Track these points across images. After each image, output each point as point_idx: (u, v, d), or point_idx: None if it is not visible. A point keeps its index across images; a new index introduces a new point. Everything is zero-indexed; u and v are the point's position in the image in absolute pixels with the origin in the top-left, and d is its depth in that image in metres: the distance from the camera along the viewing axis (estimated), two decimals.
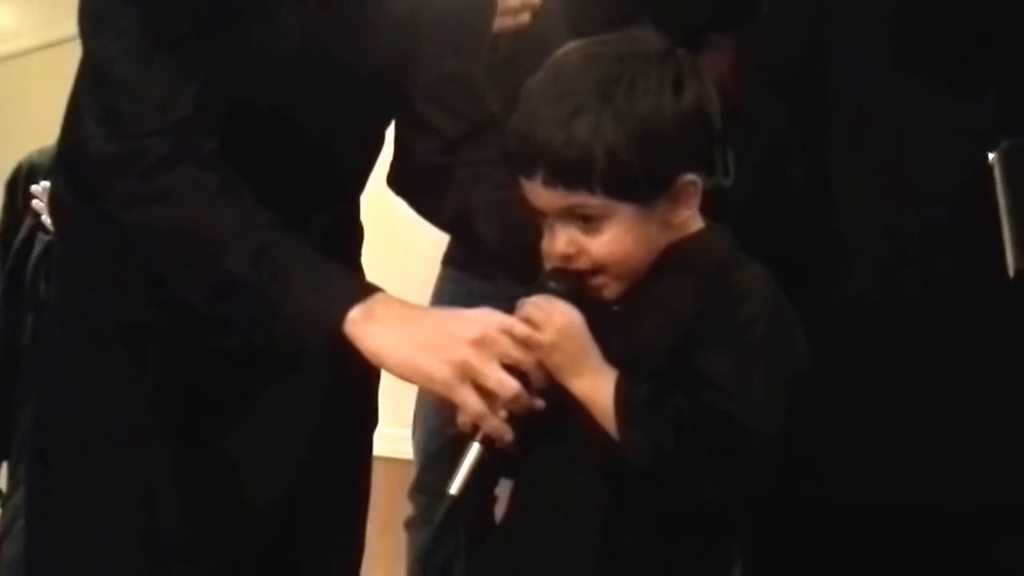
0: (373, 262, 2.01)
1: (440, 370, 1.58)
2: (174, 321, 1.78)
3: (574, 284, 1.63)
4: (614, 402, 1.57)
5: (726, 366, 1.55)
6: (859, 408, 1.81)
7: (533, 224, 1.69)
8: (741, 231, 1.72)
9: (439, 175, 1.90)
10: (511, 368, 1.58)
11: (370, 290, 1.64)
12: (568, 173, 1.59)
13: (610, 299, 1.65)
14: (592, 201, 1.60)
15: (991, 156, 1.77)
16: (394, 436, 2.78)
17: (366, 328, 1.60)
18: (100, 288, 1.84)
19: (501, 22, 2.17)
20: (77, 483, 1.84)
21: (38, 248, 3.18)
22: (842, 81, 1.86)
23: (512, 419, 1.58)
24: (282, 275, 1.63)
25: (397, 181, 1.98)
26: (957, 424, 1.80)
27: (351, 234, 2.00)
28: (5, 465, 3.34)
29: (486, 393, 1.57)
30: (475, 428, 1.59)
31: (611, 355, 1.61)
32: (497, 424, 1.58)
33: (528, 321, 1.60)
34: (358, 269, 1.99)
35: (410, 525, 2.82)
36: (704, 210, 1.70)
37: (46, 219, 2.98)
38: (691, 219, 1.67)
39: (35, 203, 3.08)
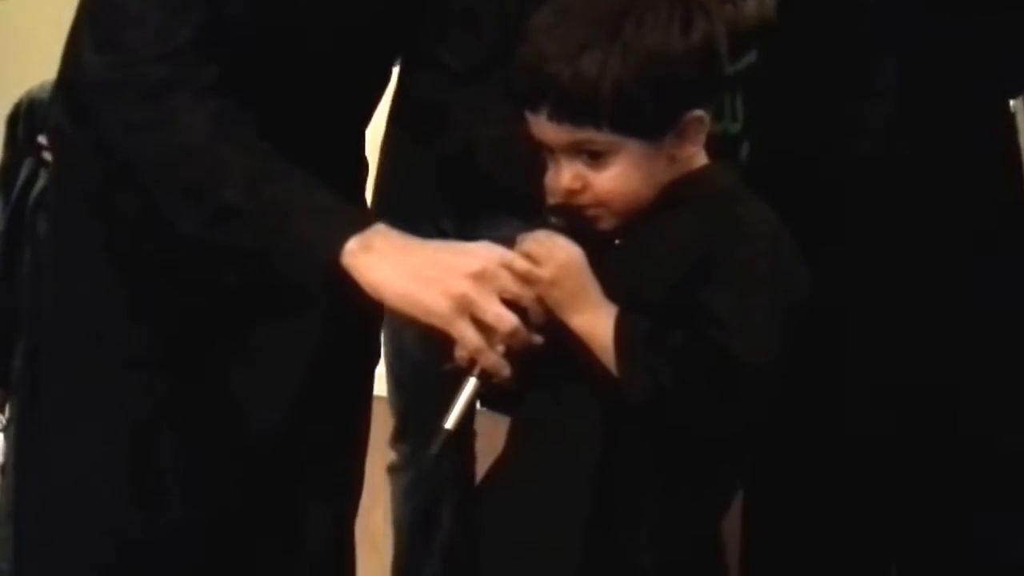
0: None
1: (439, 303, 1.56)
2: (170, 252, 1.76)
3: (576, 220, 1.62)
4: (614, 338, 1.56)
5: (727, 302, 1.54)
6: (878, 346, 1.81)
7: (537, 160, 1.67)
8: (754, 175, 1.72)
9: (443, 110, 1.88)
10: (510, 303, 1.57)
11: (369, 221, 1.62)
12: (575, 108, 1.58)
13: (607, 231, 1.64)
14: (599, 136, 1.59)
15: (1013, 103, 1.79)
16: None
17: (364, 259, 1.59)
18: (97, 217, 1.82)
19: None
20: (68, 414, 1.83)
21: (40, 184, 3.16)
22: (868, 26, 1.84)
23: (510, 354, 1.57)
24: (279, 205, 1.61)
25: (401, 116, 1.97)
26: (975, 365, 1.80)
27: (355, 169, 1.98)
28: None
29: (484, 328, 1.56)
30: (472, 363, 1.58)
31: (612, 290, 1.59)
32: (495, 359, 1.57)
33: (528, 256, 1.59)
34: (362, 205, 1.97)
35: (392, 470, 2.82)
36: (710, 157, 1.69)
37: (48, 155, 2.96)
38: (696, 155, 1.66)
39: (41, 138, 3.06)
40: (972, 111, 1.80)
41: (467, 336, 1.56)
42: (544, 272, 1.58)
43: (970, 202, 1.80)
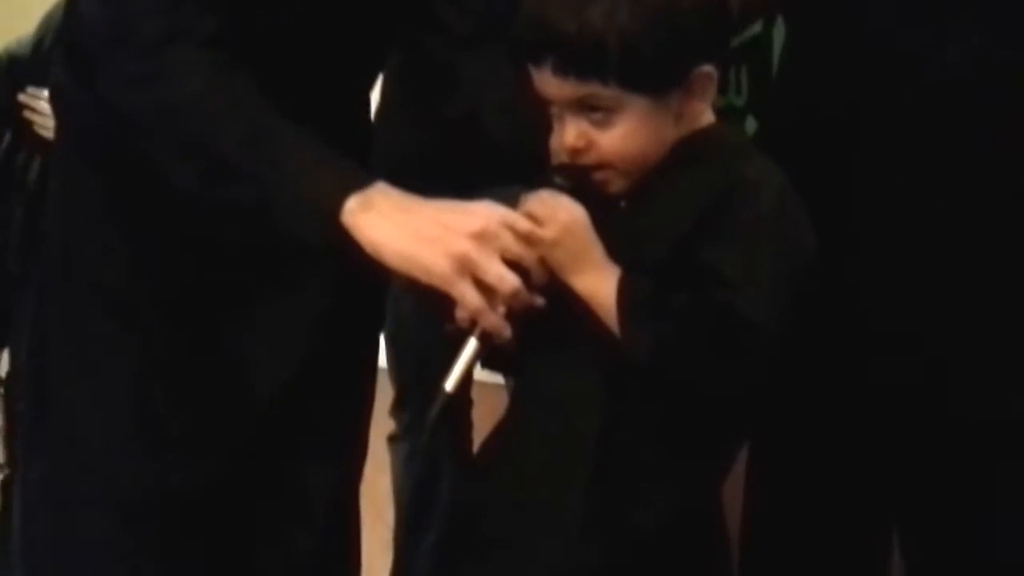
0: None
1: (439, 263, 1.54)
2: (172, 212, 1.74)
3: (580, 180, 1.60)
4: (616, 299, 1.54)
5: (732, 261, 1.52)
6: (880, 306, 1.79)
7: (543, 122, 1.65)
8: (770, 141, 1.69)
9: (448, 72, 1.86)
10: (512, 264, 1.55)
11: (369, 179, 1.60)
12: (580, 61, 1.56)
13: (614, 193, 1.62)
14: (604, 91, 1.57)
15: None
16: None
17: (364, 218, 1.56)
18: (100, 176, 1.80)
19: None
20: (72, 375, 1.81)
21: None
22: None
23: (511, 316, 1.55)
24: (278, 162, 1.59)
25: (405, 78, 1.94)
26: (975, 335, 1.77)
27: (360, 131, 1.95)
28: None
29: (486, 288, 1.54)
30: (473, 324, 1.56)
31: (616, 251, 1.58)
32: (496, 320, 1.54)
33: (531, 216, 1.57)
34: (368, 169, 1.94)
35: (392, 440, 2.81)
36: None
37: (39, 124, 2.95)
38: (704, 113, 1.64)
39: (22, 97, 3.02)
40: (987, 78, 1.76)
41: (468, 296, 1.54)
42: (547, 232, 1.56)
43: (981, 167, 1.76)
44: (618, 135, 1.58)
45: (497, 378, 2.36)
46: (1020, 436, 1.78)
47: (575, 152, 1.60)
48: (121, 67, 1.66)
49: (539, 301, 1.56)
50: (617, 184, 1.61)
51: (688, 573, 1.59)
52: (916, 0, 1.77)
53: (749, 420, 1.64)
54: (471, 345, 1.56)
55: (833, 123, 1.80)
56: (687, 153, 1.62)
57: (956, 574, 1.84)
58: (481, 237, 1.54)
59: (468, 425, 2.62)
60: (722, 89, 1.83)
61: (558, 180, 1.60)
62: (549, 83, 1.59)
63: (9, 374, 3.23)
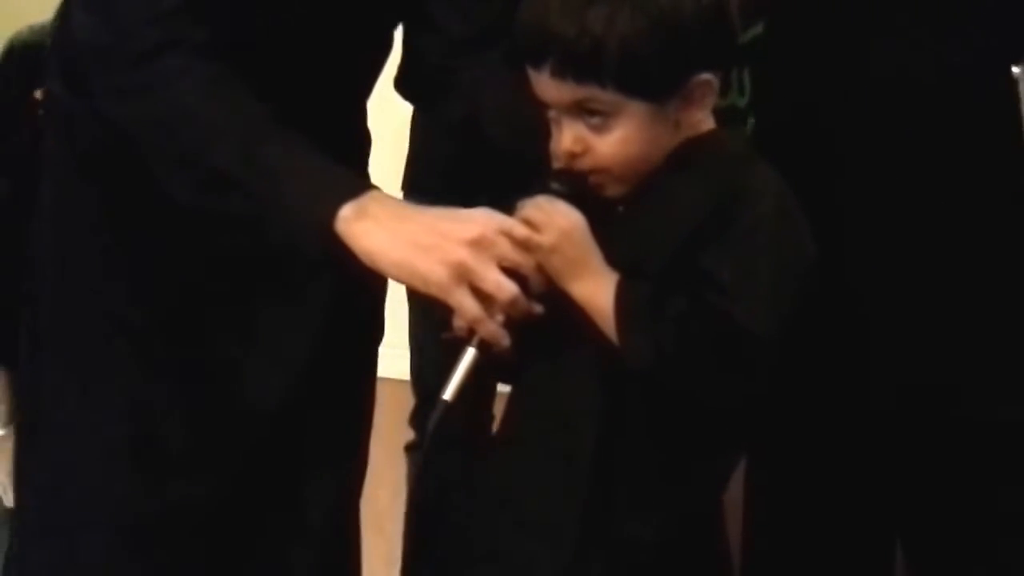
0: None
1: (436, 272, 1.52)
2: (169, 221, 1.73)
3: (578, 185, 1.59)
4: (614, 306, 1.53)
5: (731, 268, 1.51)
6: (875, 316, 1.78)
7: (542, 126, 1.64)
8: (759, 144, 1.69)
9: (447, 76, 1.85)
10: (510, 271, 1.53)
11: (364, 187, 1.59)
12: (578, 64, 1.55)
13: (611, 198, 1.61)
14: (602, 95, 1.56)
15: (1016, 70, 1.75)
16: (404, 358, 2.75)
17: (358, 226, 1.55)
18: (95, 186, 1.79)
19: None
20: (68, 390, 1.80)
21: None
22: None
23: (510, 324, 1.54)
24: (273, 171, 1.58)
25: (405, 84, 1.93)
26: (974, 339, 1.77)
27: (357, 139, 1.95)
28: None
29: (483, 296, 1.52)
30: (471, 332, 1.55)
31: (615, 257, 1.57)
32: (494, 329, 1.53)
33: (528, 222, 1.56)
34: (365, 177, 1.93)
35: (410, 448, 2.80)
36: None
37: None
38: (703, 122, 1.63)
39: (38, 94, 2.96)
40: (973, 78, 1.78)
41: (465, 305, 1.52)
42: (544, 239, 1.55)
43: (971, 169, 1.77)
44: (615, 140, 1.57)
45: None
46: (1021, 443, 1.78)
47: (572, 156, 1.59)
48: (113, 77, 1.65)
49: (537, 309, 1.55)
50: (614, 189, 1.60)
51: None
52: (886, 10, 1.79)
53: (748, 430, 1.63)
54: (469, 354, 1.55)
55: (815, 124, 1.81)
56: (686, 160, 1.61)
57: None
58: (478, 245, 1.52)
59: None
60: (724, 90, 1.82)
61: (555, 186, 1.58)
62: (547, 86, 1.58)
63: None
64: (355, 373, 1.95)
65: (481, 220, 1.55)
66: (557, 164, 1.61)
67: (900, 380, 1.78)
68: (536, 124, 1.64)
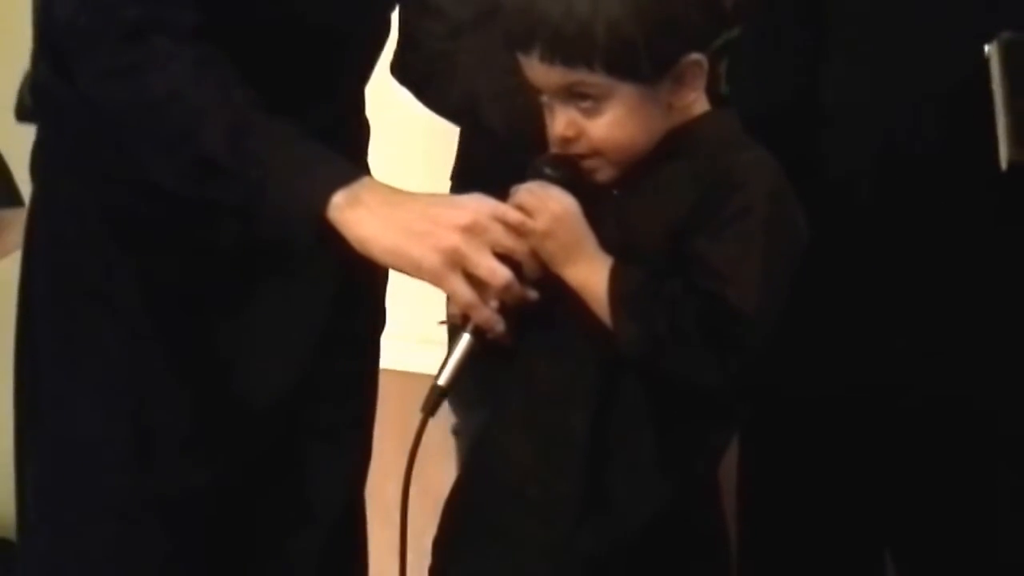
0: None
1: (429, 258, 1.52)
2: (164, 211, 1.72)
3: (571, 170, 1.59)
4: (608, 290, 1.53)
5: (724, 251, 1.52)
6: (845, 300, 1.81)
7: (540, 111, 1.63)
8: None
9: (444, 62, 1.84)
10: (503, 257, 1.53)
11: (356, 174, 1.58)
12: (567, 48, 1.54)
13: (605, 183, 1.61)
14: (591, 79, 1.55)
15: (987, 48, 1.76)
16: (410, 349, 2.74)
17: (351, 214, 1.54)
18: (87, 177, 1.78)
19: None
20: (66, 380, 1.79)
21: None
22: None
23: (504, 309, 1.54)
24: (261, 157, 1.56)
25: (402, 69, 1.93)
26: (944, 317, 1.80)
27: (355, 129, 1.94)
28: None
29: (477, 282, 1.52)
30: (466, 319, 1.55)
31: (609, 240, 1.57)
32: (488, 315, 1.53)
33: (521, 208, 1.55)
34: (364, 166, 1.92)
35: (456, 432, 2.79)
36: None
37: None
38: (696, 102, 1.62)
39: None
40: (946, 57, 1.80)
41: (459, 291, 1.52)
42: (537, 224, 1.55)
43: (944, 151, 1.79)
44: (607, 123, 1.57)
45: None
46: (1012, 453, 1.80)
47: (565, 141, 1.58)
48: (98, 60, 1.63)
49: (532, 294, 1.55)
50: (608, 173, 1.60)
51: (682, 563, 1.58)
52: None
53: (741, 411, 1.62)
54: (464, 340, 1.55)
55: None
56: (680, 143, 1.60)
57: None
58: (471, 230, 1.52)
59: None
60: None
61: (548, 171, 1.58)
62: (537, 71, 1.58)
63: None
64: (358, 364, 1.94)
65: (474, 206, 1.55)
66: (553, 149, 1.61)
67: (891, 386, 1.80)
68: (533, 108, 1.64)
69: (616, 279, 1.53)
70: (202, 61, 1.60)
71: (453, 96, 1.84)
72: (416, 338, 2.80)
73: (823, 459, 1.85)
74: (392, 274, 1.79)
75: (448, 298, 1.56)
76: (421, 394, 2.89)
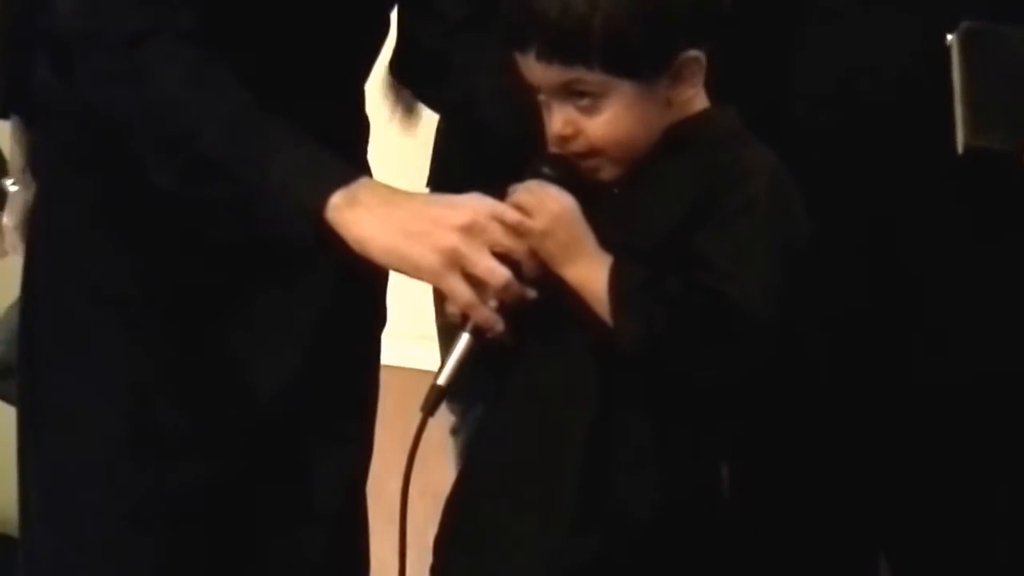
0: None
1: (427, 258, 1.52)
2: (164, 208, 1.72)
3: (569, 169, 1.58)
4: (608, 288, 1.53)
5: (725, 248, 1.51)
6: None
7: (538, 108, 1.63)
8: None
9: (442, 59, 1.84)
10: (502, 256, 1.53)
11: (354, 174, 1.58)
12: (564, 46, 1.54)
13: (606, 181, 1.60)
14: (589, 77, 1.55)
15: (949, 37, 1.78)
16: (411, 346, 2.74)
17: (349, 214, 1.55)
18: (88, 174, 1.78)
19: None
20: (66, 378, 1.80)
21: None
22: None
23: (503, 309, 1.54)
24: (260, 158, 1.57)
25: (400, 67, 1.93)
26: (903, 299, 1.82)
27: (355, 126, 1.94)
28: None
29: (476, 282, 1.52)
30: (465, 318, 1.55)
31: (609, 239, 1.57)
32: (487, 314, 1.53)
33: (520, 207, 1.55)
34: (363, 165, 1.92)
35: (453, 432, 2.80)
36: None
37: None
38: (695, 98, 1.61)
39: None
40: (908, 46, 1.81)
41: (458, 291, 1.52)
42: (536, 223, 1.55)
43: (908, 141, 1.81)
44: (605, 121, 1.56)
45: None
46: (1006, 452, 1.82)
47: (564, 140, 1.58)
48: (99, 62, 1.64)
49: (531, 293, 1.55)
50: (609, 171, 1.60)
51: (684, 563, 1.58)
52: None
53: (742, 409, 1.62)
54: (463, 340, 1.55)
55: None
56: (679, 139, 1.60)
57: None
58: (469, 230, 1.52)
59: None
60: None
61: (545, 170, 1.58)
62: (534, 69, 1.57)
63: None
64: (358, 360, 1.94)
65: (472, 205, 1.55)
66: (551, 148, 1.61)
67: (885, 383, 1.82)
68: (531, 106, 1.63)
69: (616, 277, 1.53)
70: (201, 63, 1.61)
71: (451, 95, 1.84)
72: (415, 334, 2.80)
73: (816, 458, 1.86)
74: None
75: (447, 298, 1.55)
76: (420, 390, 2.88)
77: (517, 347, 1.60)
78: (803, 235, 1.57)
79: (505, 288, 1.52)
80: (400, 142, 2.63)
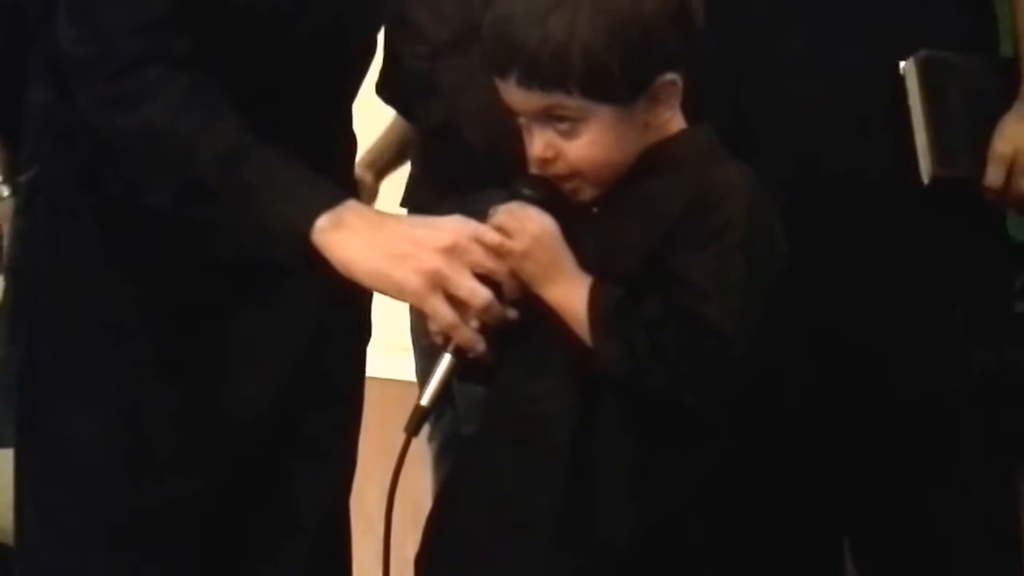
0: None
1: (410, 280, 1.55)
2: (159, 226, 1.74)
3: (549, 190, 1.60)
4: (587, 309, 1.55)
5: (704, 268, 1.53)
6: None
7: (519, 130, 1.65)
8: None
9: (427, 81, 1.88)
10: (484, 277, 1.55)
11: (341, 197, 1.61)
12: (543, 73, 1.56)
13: (584, 201, 1.62)
14: (568, 102, 1.57)
15: (903, 65, 1.82)
16: (392, 357, 2.75)
17: (335, 237, 1.58)
18: (88, 192, 1.81)
19: None
20: (63, 394, 1.82)
21: None
22: None
23: (485, 329, 1.56)
24: (249, 182, 1.61)
25: (386, 88, 1.96)
26: (870, 321, 1.86)
27: (342, 144, 1.96)
28: None
29: (458, 303, 1.55)
30: (447, 339, 1.57)
31: (588, 258, 1.59)
32: (469, 334, 1.56)
33: (500, 229, 1.57)
34: (351, 181, 1.96)
35: (430, 439, 2.80)
36: None
37: None
38: (672, 120, 1.63)
39: None
40: (862, 73, 1.84)
41: (440, 312, 1.55)
42: (516, 245, 1.56)
43: (863, 165, 1.85)
44: (584, 144, 1.58)
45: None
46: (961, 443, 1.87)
47: (544, 162, 1.60)
48: (97, 88, 1.68)
49: (512, 314, 1.57)
50: (588, 192, 1.62)
51: None
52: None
53: (723, 429, 1.63)
54: (446, 360, 1.57)
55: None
56: (658, 160, 1.61)
57: None
58: (451, 252, 1.55)
59: None
60: None
61: (526, 191, 1.60)
62: (514, 95, 1.59)
63: None
64: (344, 374, 1.96)
65: (454, 228, 1.57)
66: (532, 170, 1.62)
67: (841, 374, 1.86)
68: (514, 126, 1.65)
69: (595, 298, 1.54)
70: (194, 89, 1.65)
71: (436, 115, 1.88)
72: (397, 346, 2.81)
73: (780, 452, 1.88)
74: None
75: (428, 318, 1.57)
76: (401, 401, 2.90)
77: (498, 367, 1.61)
78: (779, 255, 1.58)
79: (486, 309, 1.54)
80: None
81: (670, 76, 1.59)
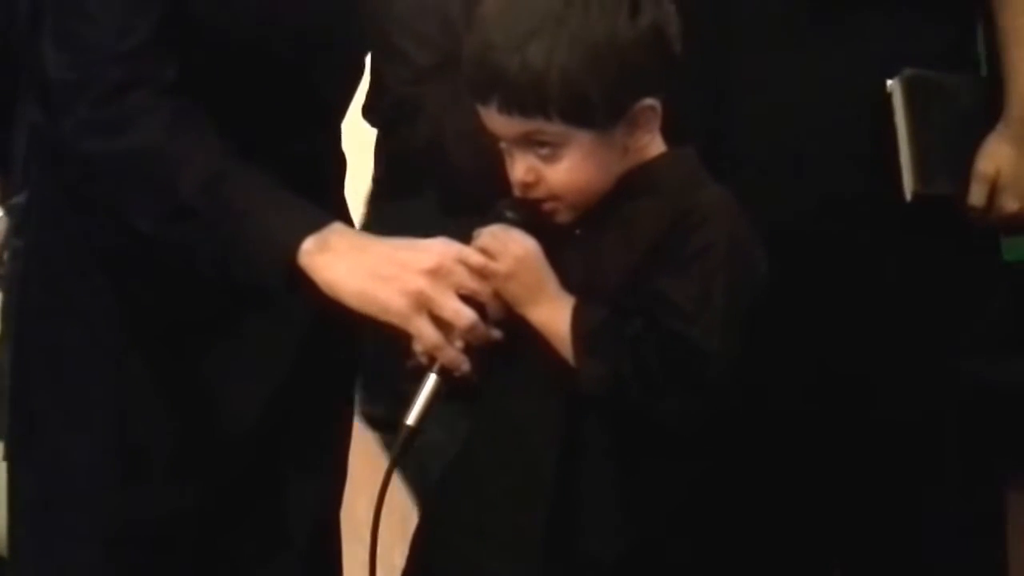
0: None
1: (395, 301, 1.57)
2: (146, 244, 1.75)
3: (532, 212, 1.62)
4: (571, 330, 1.56)
5: (685, 289, 1.55)
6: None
7: (501, 153, 1.67)
8: None
9: (411, 104, 1.89)
10: (468, 298, 1.57)
11: (326, 220, 1.63)
12: (523, 99, 1.57)
13: (564, 223, 1.64)
14: (548, 128, 1.58)
15: (889, 83, 1.84)
16: None
17: (320, 259, 1.60)
18: (76, 211, 1.82)
19: None
20: (54, 406, 1.84)
21: None
22: (744, 8, 1.89)
23: (469, 350, 1.58)
24: (234, 206, 1.62)
25: (371, 111, 1.98)
26: (855, 340, 1.87)
27: (331, 164, 1.97)
28: None
29: (442, 324, 1.57)
30: (432, 359, 1.59)
31: (571, 279, 1.60)
32: (454, 355, 1.58)
33: (484, 250, 1.59)
34: (340, 201, 1.97)
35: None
36: None
37: None
38: (651, 143, 1.65)
39: None
40: (849, 92, 1.86)
41: (425, 333, 1.57)
42: (500, 266, 1.58)
43: (844, 186, 1.87)
44: (565, 169, 1.60)
45: None
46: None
47: (525, 186, 1.62)
48: (81, 113, 1.69)
49: (496, 334, 1.59)
50: (566, 215, 1.63)
51: None
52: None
53: (707, 447, 1.64)
54: (431, 380, 1.59)
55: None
56: (638, 183, 1.63)
57: None
58: (435, 274, 1.57)
59: None
60: None
61: (509, 214, 1.62)
62: (495, 120, 1.61)
63: None
64: (334, 386, 1.98)
65: (438, 249, 1.60)
66: (515, 193, 1.64)
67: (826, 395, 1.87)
68: (495, 149, 1.67)
69: (578, 319, 1.56)
70: (178, 114, 1.66)
71: (419, 138, 1.88)
72: None
73: (767, 473, 1.90)
74: None
75: (414, 338, 1.59)
76: None
77: (483, 386, 1.63)
78: (760, 275, 1.60)
79: (471, 329, 1.57)
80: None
81: (649, 101, 1.61)
